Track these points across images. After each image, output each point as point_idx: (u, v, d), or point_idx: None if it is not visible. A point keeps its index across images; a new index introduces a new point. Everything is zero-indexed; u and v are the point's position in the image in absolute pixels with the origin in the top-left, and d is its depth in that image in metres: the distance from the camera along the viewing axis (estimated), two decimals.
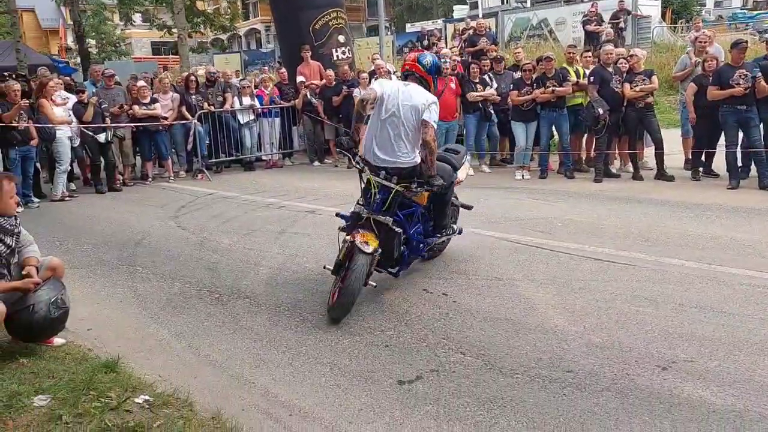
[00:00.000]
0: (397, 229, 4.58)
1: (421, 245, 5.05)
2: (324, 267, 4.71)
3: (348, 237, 4.44)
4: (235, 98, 11.72)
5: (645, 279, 4.95)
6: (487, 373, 3.62)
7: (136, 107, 10.52)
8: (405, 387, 3.53)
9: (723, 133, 8.44)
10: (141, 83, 11.07)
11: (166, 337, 4.37)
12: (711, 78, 8.37)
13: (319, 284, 5.18)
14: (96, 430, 2.99)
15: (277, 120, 12.13)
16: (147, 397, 3.34)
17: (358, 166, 4.66)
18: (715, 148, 8.81)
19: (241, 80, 12.64)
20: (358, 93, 11.08)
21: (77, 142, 9.81)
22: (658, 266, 5.22)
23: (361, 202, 4.63)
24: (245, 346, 4.15)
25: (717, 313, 4.23)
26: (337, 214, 5.05)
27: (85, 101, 9.81)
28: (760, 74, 8.01)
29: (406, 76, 4.79)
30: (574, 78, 9.38)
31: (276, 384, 3.62)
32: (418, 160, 4.66)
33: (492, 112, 10.08)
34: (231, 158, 11.92)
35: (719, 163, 8.65)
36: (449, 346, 4.00)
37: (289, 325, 4.46)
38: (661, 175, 8.90)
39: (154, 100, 10.76)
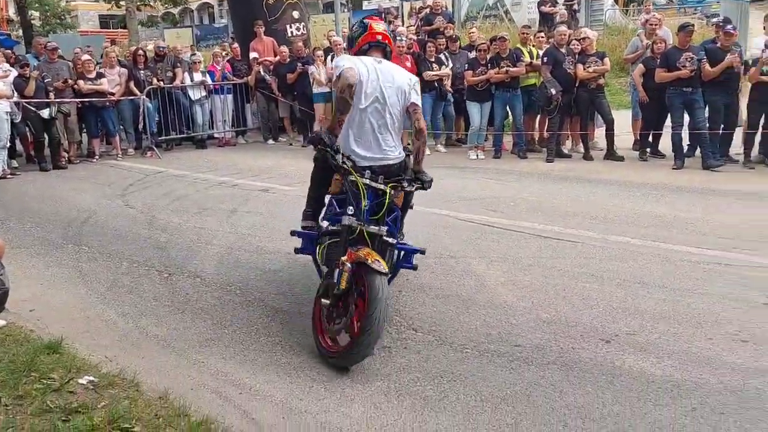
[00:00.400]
0: (391, 240, 3.80)
1: (411, 255, 4.12)
2: (321, 302, 3.61)
3: (345, 258, 3.45)
4: (186, 74, 11.43)
5: (591, 256, 5.07)
6: (438, 349, 3.67)
7: (81, 82, 10.16)
8: (356, 364, 3.54)
9: (669, 115, 8.67)
10: (86, 57, 10.67)
11: (112, 317, 4.26)
12: (659, 60, 8.57)
13: (272, 263, 5.14)
14: (37, 412, 2.90)
15: (230, 97, 11.89)
16: (91, 378, 3.26)
17: (345, 165, 3.66)
18: (662, 130, 9.05)
19: (191, 55, 12.30)
20: (314, 70, 10.95)
21: (18, 118, 9.41)
22: (605, 243, 5.36)
23: (350, 212, 3.62)
24: (195, 326, 4.09)
25: (659, 288, 4.37)
26: (293, 233, 4.24)
27: (27, 75, 9.40)
28: (705, 57, 8.24)
29: (369, 47, 3.89)
30: (527, 58, 9.47)
31: (226, 363, 3.59)
32: (404, 154, 3.97)
33: (448, 91, 10.09)
34: (182, 136, 11.65)
35: (666, 144, 8.89)
36: (401, 323, 4.03)
37: (240, 304, 4.42)
38: (611, 155, 9.10)
39: (100, 75, 10.41)
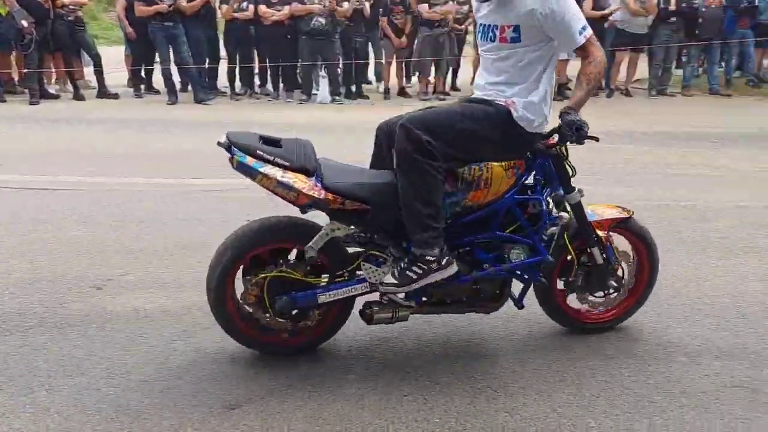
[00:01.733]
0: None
1: None
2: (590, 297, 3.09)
3: (602, 234, 2.96)
4: None
5: (88, 202, 4.78)
6: None
7: None
8: None
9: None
10: None
11: None
12: None
13: None
14: None
15: None
16: None
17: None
18: (153, 65, 9.07)
19: None
20: None
21: None
22: (102, 186, 5.13)
23: (577, 187, 2.86)
24: None
25: (154, 222, 4.40)
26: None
27: None
28: None
29: None
30: None
31: None
32: None
33: None
34: None
35: (160, 79, 8.95)
36: None
37: None
38: (103, 93, 8.72)
39: None
